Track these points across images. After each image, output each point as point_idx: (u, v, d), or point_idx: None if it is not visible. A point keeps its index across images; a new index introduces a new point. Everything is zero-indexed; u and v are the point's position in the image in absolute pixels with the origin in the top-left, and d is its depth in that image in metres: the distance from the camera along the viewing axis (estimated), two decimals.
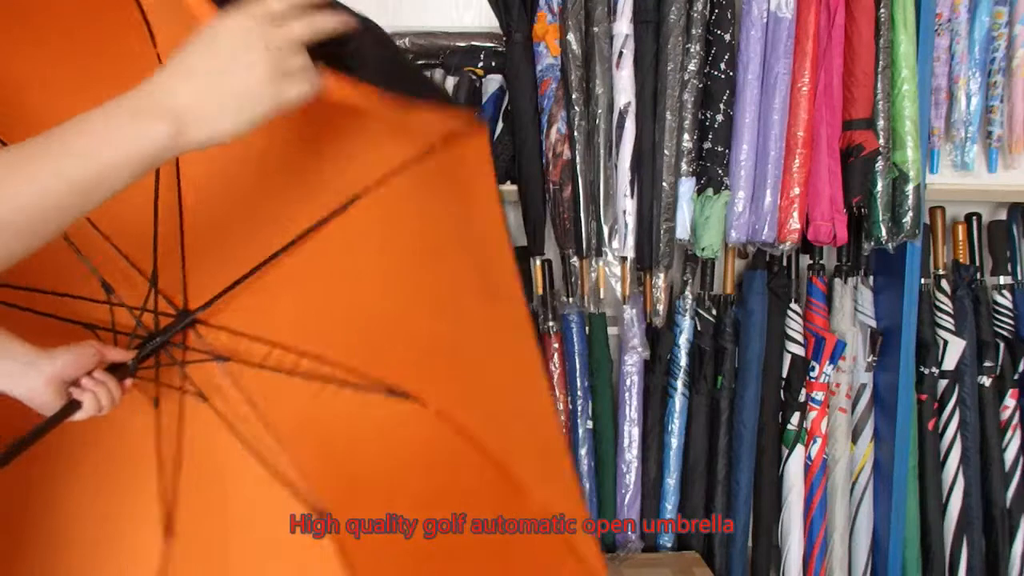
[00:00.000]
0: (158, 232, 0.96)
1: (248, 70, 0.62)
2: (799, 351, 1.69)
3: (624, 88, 1.52)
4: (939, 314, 1.73)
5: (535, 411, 1.00)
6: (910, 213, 1.55)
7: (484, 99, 1.67)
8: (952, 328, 1.71)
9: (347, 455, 1.11)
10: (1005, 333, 1.75)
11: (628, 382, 1.70)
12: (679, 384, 1.69)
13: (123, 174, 0.60)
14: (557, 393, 1.69)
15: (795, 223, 1.53)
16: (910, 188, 1.54)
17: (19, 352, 0.86)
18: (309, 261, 0.97)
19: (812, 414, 1.71)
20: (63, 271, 1.00)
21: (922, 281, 1.67)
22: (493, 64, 1.66)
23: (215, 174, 0.95)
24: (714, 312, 1.70)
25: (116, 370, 0.93)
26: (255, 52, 0.62)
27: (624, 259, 1.56)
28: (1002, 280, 1.77)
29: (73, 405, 0.88)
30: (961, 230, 1.78)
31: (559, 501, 1.01)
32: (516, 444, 1.02)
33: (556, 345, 1.69)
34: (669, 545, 1.73)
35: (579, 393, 1.70)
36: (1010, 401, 1.73)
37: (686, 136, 1.53)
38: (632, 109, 1.53)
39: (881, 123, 1.54)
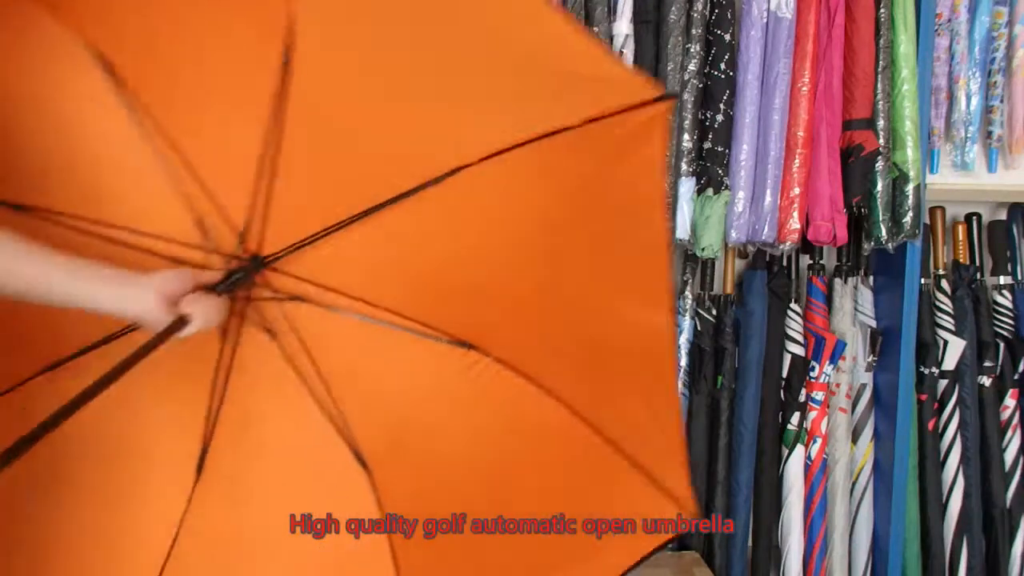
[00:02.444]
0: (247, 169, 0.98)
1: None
2: (799, 351, 1.69)
3: None
4: (939, 314, 1.73)
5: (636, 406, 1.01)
6: (910, 213, 1.55)
7: None
8: (952, 328, 1.71)
9: (398, 406, 1.12)
10: (1005, 333, 1.75)
11: None
12: (679, 384, 1.69)
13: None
14: None
15: (795, 223, 1.53)
16: (910, 188, 1.54)
17: (127, 277, 0.90)
18: (395, 219, 0.98)
19: (812, 414, 1.71)
20: (145, 206, 1.01)
21: (922, 281, 1.67)
22: None
23: (326, 116, 0.96)
24: (714, 312, 1.70)
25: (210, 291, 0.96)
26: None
27: None
28: (1002, 280, 1.77)
29: (183, 320, 0.90)
30: (961, 230, 1.78)
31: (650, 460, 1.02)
32: (608, 414, 1.02)
33: None
34: (669, 545, 1.73)
35: None
36: (1010, 401, 1.73)
37: (686, 136, 1.53)
38: None
39: (881, 123, 1.54)
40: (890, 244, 1.57)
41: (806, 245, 1.59)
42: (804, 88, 1.51)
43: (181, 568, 1.09)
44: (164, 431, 1.10)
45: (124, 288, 0.89)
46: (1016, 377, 1.73)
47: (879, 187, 1.55)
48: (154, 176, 0.98)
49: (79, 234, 0.98)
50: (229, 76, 0.96)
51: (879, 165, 1.54)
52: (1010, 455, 1.73)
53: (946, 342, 1.71)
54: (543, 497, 1.08)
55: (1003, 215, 1.81)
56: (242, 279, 1.01)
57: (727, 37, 1.52)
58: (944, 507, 1.72)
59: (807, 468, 1.71)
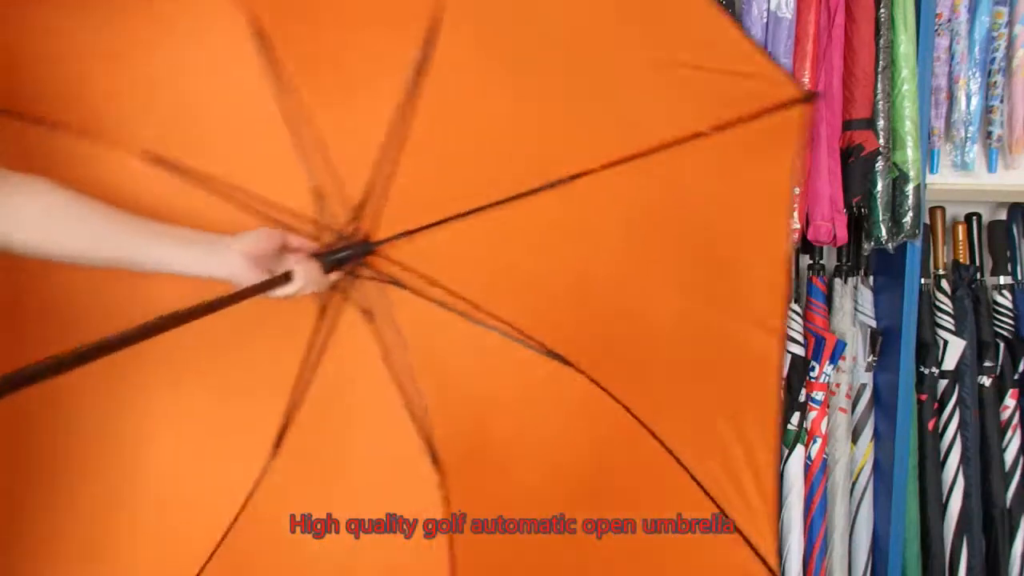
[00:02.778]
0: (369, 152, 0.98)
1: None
2: (799, 351, 1.69)
3: None
4: (939, 314, 1.73)
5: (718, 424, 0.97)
6: (910, 213, 1.55)
7: None
8: (952, 328, 1.71)
9: (481, 410, 1.10)
10: (1005, 333, 1.75)
11: None
12: None
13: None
14: None
15: (795, 223, 1.53)
16: (910, 188, 1.54)
17: (212, 239, 0.91)
18: (506, 220, 0.97)
19: (812, 414, 1.70)
20: (268, 172, 1.01)
21: (922, 281, 1.67)
22: None
23: (456, 108, 0.96)
24: None
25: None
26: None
27: None
28: (1002, 280, 1.77)
29: (287, 276, 0.90)
30: (961, 230, 1.78)
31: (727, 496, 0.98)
32: (681, 436, 0.99)
33: None
34: None
35: None
36: (1010, 401, 1.73)
37: None
38: None
39: (881, 123, 1.54)
40: (890, 244, 1.57)
41: (806, 245, 1.59)
42: None
43: (246, 536, 1.08)
44: (250, 398, 1.09)
45: (209, 250, 0.90)
46: (1016, 377, 1.73)
47: (879, 187, 1.54)
48: (283, 144, 0.98)
49: (198, 188, 0.98)
50: (370, 58, 0.97)
51: (879, 165, 1.54)
52: (1010, 455, 1.73)
53: (946, 342, 1.70)
54: (611, 512, 1.06)
55: (1003, 215, 1.81)
56: (349, 258, 1.00)
57: None
58: (944, 507, 1.72)
59: (807, 468, 1.71)
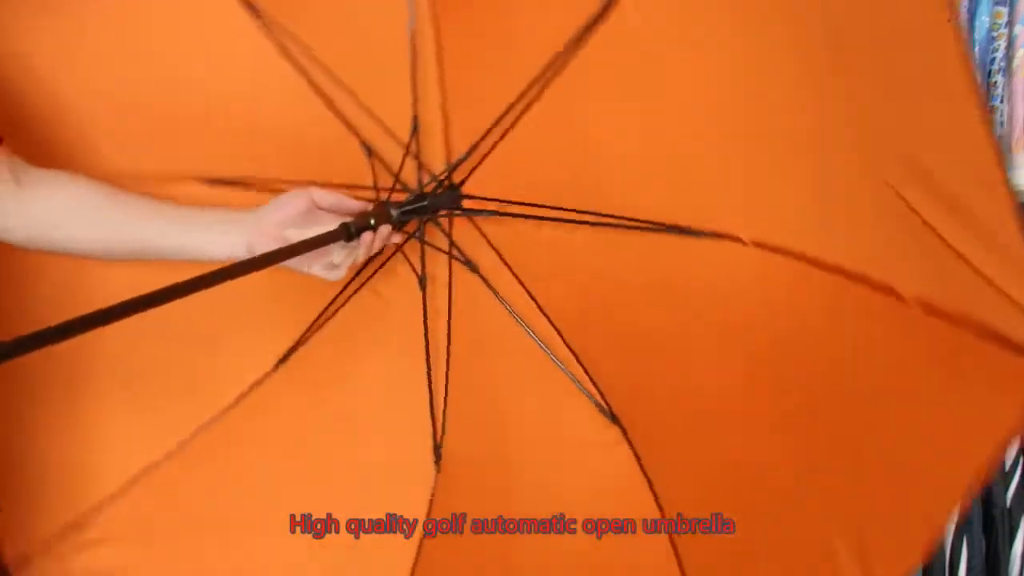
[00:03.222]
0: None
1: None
2: None
3: None
4: None
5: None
6: None
7: None
8: None
9: (503, 427, 1.01)
10: None
11: None
12: None
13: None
14: None
15: None
16: None
17: (222, 216, 0.89)
18: (622, 244, 0.85)
19: None
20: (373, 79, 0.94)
21: None
22: None
23: (602, 101, 0.84)
24: None
25: (377, 218, 0.87)
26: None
27: None
28: None
29: (345, 228, 0.83)
30: None
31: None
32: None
33: None
34: None
35: None
36: None
37: None
38: None
39: None
40: None
41: None
42: None
43: (227, 436, 1.04)
44: (262, 320, 1.04)
45: (226, 230, 0.88)
46: None
47: None
48: (400, 64, 0.89)
49: (291, 61, 0.93)
50: (526, 17, 0.84)
51: None
52: (1010, 455, 1.72)
53: None
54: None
55: None
56: (427, 209, 0.90)
57: None
58: None
59: None
